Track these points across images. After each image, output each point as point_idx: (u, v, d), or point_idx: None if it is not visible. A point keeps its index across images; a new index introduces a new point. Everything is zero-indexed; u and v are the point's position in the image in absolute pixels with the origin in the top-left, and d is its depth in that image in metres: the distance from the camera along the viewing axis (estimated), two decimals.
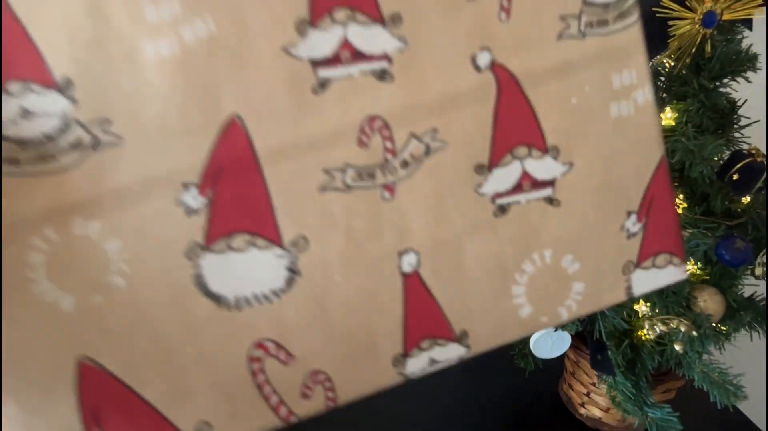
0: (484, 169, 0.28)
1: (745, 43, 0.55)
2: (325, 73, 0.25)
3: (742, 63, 0.54)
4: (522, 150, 0.28)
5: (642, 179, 0.30)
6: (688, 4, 0.52)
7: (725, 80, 0.55)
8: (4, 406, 0.23)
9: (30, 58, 0.22)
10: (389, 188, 0.27)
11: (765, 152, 0.55)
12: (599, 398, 0.69)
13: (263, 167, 0.25)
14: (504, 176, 0.28)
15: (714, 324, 0.59)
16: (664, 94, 0.57)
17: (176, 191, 0.24)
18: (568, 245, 0.29)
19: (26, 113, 0.22)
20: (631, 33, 0.30)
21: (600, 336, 0.58)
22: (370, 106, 0.26)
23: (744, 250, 0.52)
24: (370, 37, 0.25)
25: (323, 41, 0.25)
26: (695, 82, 0.54)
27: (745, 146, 0.57)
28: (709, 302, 0.55)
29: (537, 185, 0.29)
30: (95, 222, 0.24)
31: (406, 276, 0.27)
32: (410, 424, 0.71)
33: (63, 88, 0.23)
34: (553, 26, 0.28)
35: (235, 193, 0.25)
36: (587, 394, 0.70)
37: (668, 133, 0.55)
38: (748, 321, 0.58)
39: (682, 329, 0.52)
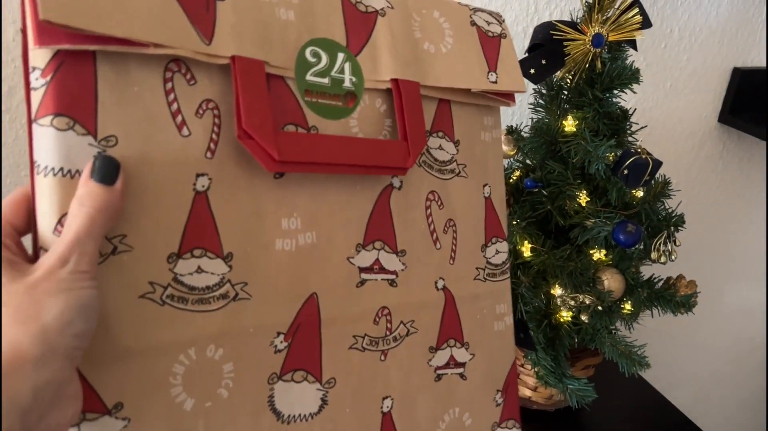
0: (434, 349, 0.43)
1: (629, 61, 0.65)
2: (364, 276, 0.39)
3: (627, 77, 0.63)
4: (452, 341, 0.44)
5: (504, 370, 0.48)
6: (579, 28, 0.62)
7: (615, 92, 0.65)
8: None
9: (212, 236, 0.33)
10: (384, 353, 0.40)
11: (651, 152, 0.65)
12: (528, 378, 0.77)
13: (322, 328, 0.37)
14: (442, 357, 0.43)
15: (618, 303, 0.68)
16: (566, 105, 0.67)
17: (272, 336, 0.35)
18: (467, 407, 0.44)
19: (200, 270, 0.32)
20: (506, 282, 0.48)
21: (522, 316, 0.65)
22: (383, 300, 0.40)
23: (635, 232, 0.61)
24: (390, 261, 0.40)
25: (367, 258, 0.39)
26: (590, 93, 0.64)
27: (635, 147, 0.66)
28: (611, 280, 0.64)
29: (457, 364, 0.44)
30: (221, 350, 0.33)
31: (384, 414, 0.40)
32: None
33: (226, 259, 0.33)
34: (472, 273, 0.45)
35: (303, 342, 0.36)
36: (517, 375, 0.78)
37: (570, 137, 0.65)
38: (644, 298, 0.67)
39: (587, 302, 0.60)
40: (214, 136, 0.33)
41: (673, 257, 0.69)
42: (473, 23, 0.44)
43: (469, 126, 0.45)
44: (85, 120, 0.29)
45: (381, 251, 0.40)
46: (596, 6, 0.61)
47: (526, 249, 0.66)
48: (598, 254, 0.67)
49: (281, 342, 0.35)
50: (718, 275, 1.24)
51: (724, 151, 1.10)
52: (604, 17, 0.61)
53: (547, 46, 0.62)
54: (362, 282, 0.39)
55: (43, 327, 0.25)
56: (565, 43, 0.61)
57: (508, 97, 0.46)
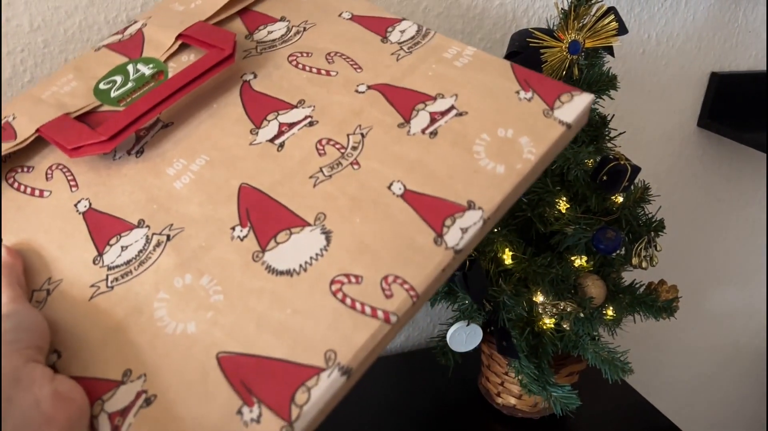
0: (404, 123, 0.40)
1: (606, 67, 0.65)
2: (278, 140, 0.40)
3: (604, 83, 0.63)
4: (420, 105, 0.41)
5: (508, 75, 0.42)
6: (555, 35, 0.62)
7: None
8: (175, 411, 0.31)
9: (116, 224, 0.38)
10: (354, 163, 0.38)
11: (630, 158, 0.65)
12: (512, 386, 0.76)
13: (272, 196, 0.37)
14: (420, 121, 0.40)
15: (600, 309, 0.68)
16: None
17: (229, 234, 0.36)
18: (494, 124, 0.39)
19: (125, 248, 0.37)
20: (436, 37, 0.45)
21: (504, 324, 0.65)
22: (314, 137, 0.40)
23: (614, 238, 0.61)
24: (293, 115, 0.41)
25: (269, 130, 0.41)
26: None
27: (613, 153, 0.67)
28: (592, 287, 0.64)
29: (444, 113, 0.40)
30: (187, 275, 0.35)
31: (402, 196, 0.37)
32: (340, 419, 0.76)
33: (139, 225, 0.37)
34: (390, 58, 0.44)
35: (264, 215, 0.37)
36: (501, 384, 0.77)
37: None
38: (626, 303, 0.66)
39: (569, 309, 0.60)
40: (69, 178, 0.40)
41: (654, 263, 0.69)
42: None
43: (281, 5, 0.49)
44: None
45: (279, 117, 0.41)
46: (572, 13, 0.61)
47: (507, 257, 0.65)
48: (580, 261, 0.67)
49: (241, 230, 0.36)
50: (700, 279, 1.24)
51: (703, 155, 1.11)
52: (581, 24, 0.61)
53: (524, 54, 0.62)
54: (281, 145, 0.40)
55: None
56: (541, 51, 0.61)
57: None
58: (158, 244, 0.36)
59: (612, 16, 0.61)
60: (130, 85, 0.44)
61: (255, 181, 0.38)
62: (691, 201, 1.14)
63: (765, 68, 1.09)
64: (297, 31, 0.47)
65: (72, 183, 0.40)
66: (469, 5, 0.79)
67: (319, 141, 0.40)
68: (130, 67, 0.45)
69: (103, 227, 0.38)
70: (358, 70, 0.44)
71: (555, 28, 0.63)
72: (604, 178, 0.62)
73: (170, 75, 0.44)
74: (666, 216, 0.71)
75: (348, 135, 0.40)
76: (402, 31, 0.46)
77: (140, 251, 0.36)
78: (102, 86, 0.44)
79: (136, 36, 0.48)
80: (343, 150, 0.39)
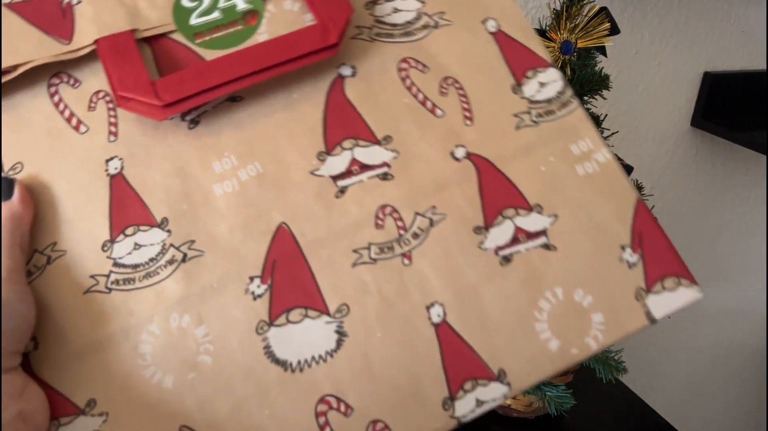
0: (482, 229, 0.34)
1: (599, 67, 0.65)
2: (342, 183, 0.34)
3: (597, 83, 0.64)
4: (510, 211, 0.34)
5: (625, 218, 0.35)
6: (548, 35, 0.62)
7: (585, 98, 0.65)
8: None
9: (139, 210, 0.32)
10: (406, 255, 0.33)
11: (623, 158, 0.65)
12: None
13: (306, 256, 0.32)
14: (500, 233, 0.34)
15: None
16: None
17: (245, 283, 0.32)
18: (575, 282, 0.33)
19: (138, 246, 0.32)
20: (576, 114, 0.36)
21: None
22: (380, 199, 0.33)
23: None
24: (371, 154, 0.34)
25: (338, 162, 0.34)
26: None
27: None
28: None
29: (531, 236, 0.34)
30: (186, 316, 0.31)
31: (437, 326, 0.32)
32: None
33: (162, 225, 0.32)
34: (510, 122, 0.36)
35: (288, 278, 0.32)
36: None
37: None
38: None
39: None
40: (111, 119, 0.34)
41: None
42: None
43: None
44: None
45: (355, 149, 0.34)
46: (564, 13, 0.61)
47: None
48: None
49: (258, 286, 0.32)
50: (694, 277, 1.25)
51: (697, 155, 1.11)
52: (573, 24, 0.61)
53: None
54: (342, 190, 0.33)
55: None
56: None
57: None
58: (172, 261, 0.32)
59: (604, 16, 0.62)
60: (215, 15, 0.35)
61: (297, 226, 0.33)
62: (685, 200, 1.15)
63: (757, 68, 1.10)
64: (426, 24, 0.37)
65: (112, 128, 0.34)
66: None
67: (383, 208, 0.33)
68: None
69: (125, 207, 0.33)
70: (468, 122, 0.36)
71: (547, 28, 0.63)
72: None
73: (263, 23, 0.35)
74: (659, 216, 0.71)
75: (416, 214, 0.34)
76: (542, 84, 0.37)
77: (151, 260, 0.32)
78: (185, 2, 0.35)
79: None
80: (402, 232, 0.33)
